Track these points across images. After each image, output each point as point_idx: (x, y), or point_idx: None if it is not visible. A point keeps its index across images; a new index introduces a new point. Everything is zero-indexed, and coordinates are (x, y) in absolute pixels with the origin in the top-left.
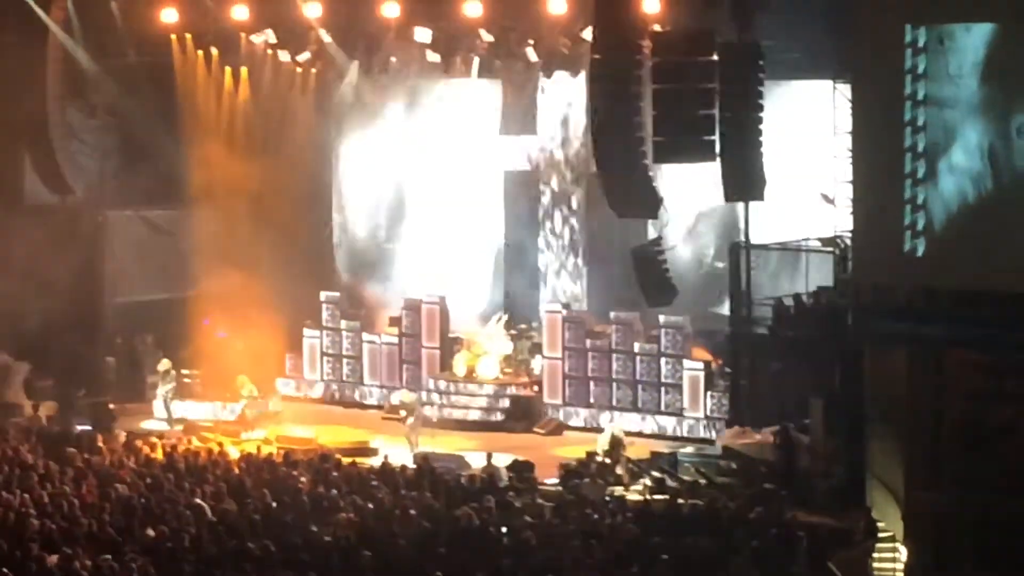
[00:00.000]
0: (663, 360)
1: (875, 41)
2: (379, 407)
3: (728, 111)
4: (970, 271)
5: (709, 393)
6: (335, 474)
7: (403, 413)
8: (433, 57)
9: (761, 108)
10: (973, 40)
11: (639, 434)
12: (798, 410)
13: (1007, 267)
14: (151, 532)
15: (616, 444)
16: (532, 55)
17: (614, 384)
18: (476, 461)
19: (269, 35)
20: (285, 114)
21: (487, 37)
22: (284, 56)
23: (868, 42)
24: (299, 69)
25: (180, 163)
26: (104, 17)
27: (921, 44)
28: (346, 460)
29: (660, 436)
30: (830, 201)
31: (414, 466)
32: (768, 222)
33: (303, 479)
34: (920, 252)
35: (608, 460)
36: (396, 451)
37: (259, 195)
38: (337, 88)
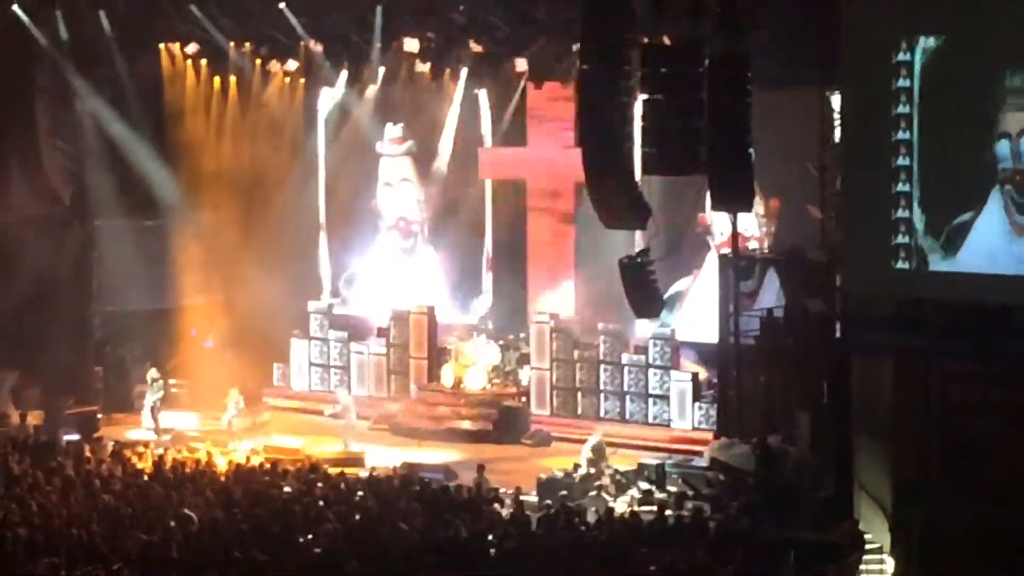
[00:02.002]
0: (651, 371)
1: (864, 55)
2: (367, 418)
3: (716, 122)
4: (957, 282)
5: (697, 404)
6: (322, 484)
7: (337, 409)
8: (421, 67)
9: (750, 119)
10: (955, 53)
11: (624, 445)
12: (786, 422)
13: (994, 279)
14: (139, 541)
15: (599, 455)
16: (521, 65)
17: (602, 395)
18: (463, 471)
19: (258, 45)
20: (273, 124)
21: (475, 47)
22: (273, 66)
23: (857, 56)
24: (287, 79)
25: (168, 172)
26: (92, 26)
27: (910, 59)
28: (334, 471)
29: (647, 447)
30: (819, 213)
31: (401, 475)
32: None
33: (290, 489)
34: (907, 265)
35: (592, 471)
36: (384, 461)
37: (247, 204)
38: (325, 98)
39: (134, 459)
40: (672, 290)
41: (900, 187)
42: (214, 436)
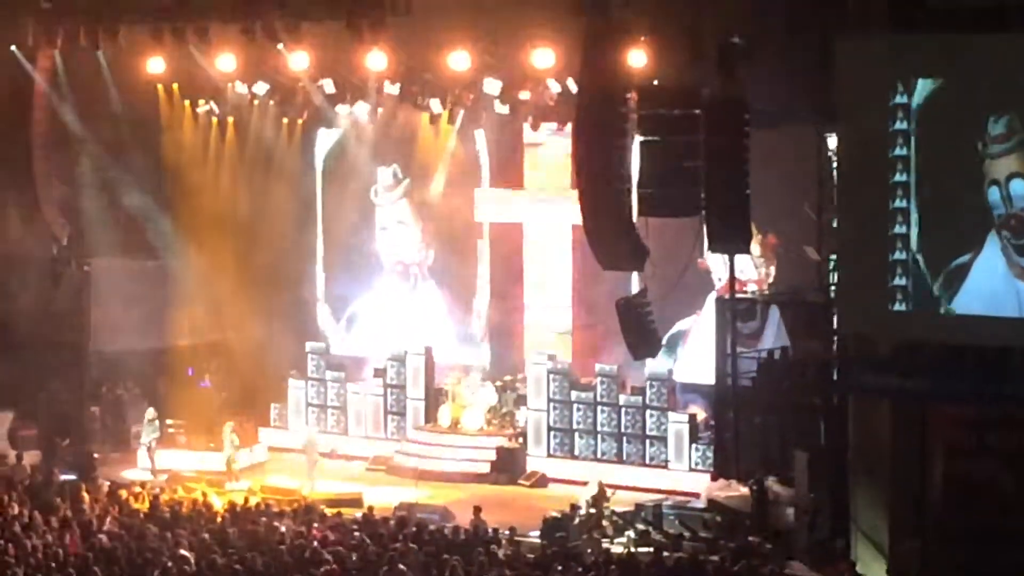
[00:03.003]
0: (648, 412)
1: (861, 97)
2: (364, 458)
3: (713, 163)
4: (955, 325)
5: (694, 446)
6: (318, 525)
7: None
8: (420, 107)
9: (746, 160)
10: (949, 96)
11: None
12: (783, 463)
13: (992, 321)
14: None
15: (600, 496)
16: (519, 107)
17: (599, 436)
18: (460, 512)
19: (256, 85)
20: (271, 165)
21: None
22: (271, 107)
23: (854, 98)
24: (285, 120)
25: (165, 213)
26: (90, 66)
27: (907, 101)
28: (331, 511)
29: (645, 488)
30: (816, 255)
31: (398, 516)
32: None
33: (287, 530)
34: (904, 307)
35: (592, 512)
36: (381, 502)
37: (244, 245)
38: (323, 139)
39: (130, 499)
40: (674, 330)
41: (897, 229)
42: (210, 476)
